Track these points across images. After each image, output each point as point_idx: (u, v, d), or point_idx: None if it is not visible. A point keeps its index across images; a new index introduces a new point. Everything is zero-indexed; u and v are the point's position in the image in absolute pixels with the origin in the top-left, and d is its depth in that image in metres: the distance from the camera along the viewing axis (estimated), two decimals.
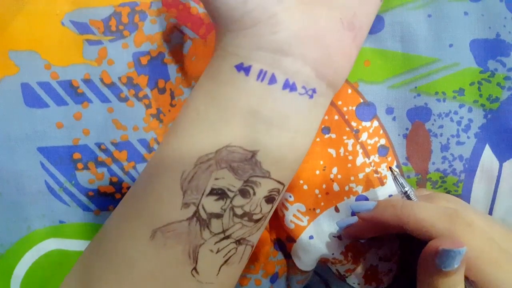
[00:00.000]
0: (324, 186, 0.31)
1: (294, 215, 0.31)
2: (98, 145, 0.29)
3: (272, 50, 0.21)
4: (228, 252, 0.22)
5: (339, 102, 0.30)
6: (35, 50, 0.28)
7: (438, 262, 0.22)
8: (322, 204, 0.31)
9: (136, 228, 0.22)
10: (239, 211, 0.22)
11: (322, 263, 0.33)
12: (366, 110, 0.30)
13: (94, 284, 0.22)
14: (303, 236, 0.31)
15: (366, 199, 0.31)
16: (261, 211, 0.22)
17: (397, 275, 0.33)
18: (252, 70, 0.21)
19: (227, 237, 0.22)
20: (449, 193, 0.31)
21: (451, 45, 0.29)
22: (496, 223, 0.27)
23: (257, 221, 0.22)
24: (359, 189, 0.31)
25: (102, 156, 0.29)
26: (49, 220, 0.29)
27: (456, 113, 0.30)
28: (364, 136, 0.30)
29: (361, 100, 0.30)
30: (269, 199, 0.22)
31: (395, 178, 0.29)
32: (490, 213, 0.31)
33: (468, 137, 0.30)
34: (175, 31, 0.29)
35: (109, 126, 0.29)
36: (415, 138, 0.30)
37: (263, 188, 0.22)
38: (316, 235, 0.31)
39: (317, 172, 0.31)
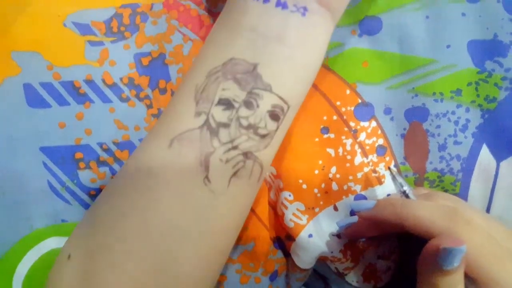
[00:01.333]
0: (323, 185, 0.31)
1: (294, 213, 0.31)
2: (100, 145, 0.29)
3: None
4: (237, 163, 0.24)
5: (338, 103, 0.31)
6: (37, 51, 0.28)
7: (438, 261, 0.22)
8: (321, 203, 0.31)
9: (156, 140, 0.24)
10: (244, 122, 0.23)
11: (321, 261, 0.33)
12: (364, 110, 0.30)
13: (112, 197, 0.24)
14: (303, 235, 0.31)
15: (365, 198, 0.31)
16: (265, 126, 0.24)
17: (396, 273, 0.33)
18: None
19: (235, 148, 0.23)
20: (446, 192, 0.31)
21: (448, 46, 0.29)
22: (494, 221, 0.27)
23: (262, 136, 0.24)
24: (358, 188, 0.31)
25: (104, 156, 0.29)
26: (51, 219, 0.30)
27: (453, 113, 0.30)
28: (362, 136, 0.31)
29: (360, 101, 0.30)
30: (273, 115, 0.24)
31: (393, 177, 0.29)
32: (488, 211, 0.31)
33: (466, 137, 0.30)
34: (176, 32, 0.30)
35: (110, 126, 0.29)
36: (413, 138, 0.30)
37: (266, 101, 0.24)
38: (315, 233, 0.31)
39: (316, 171, 0.31)
